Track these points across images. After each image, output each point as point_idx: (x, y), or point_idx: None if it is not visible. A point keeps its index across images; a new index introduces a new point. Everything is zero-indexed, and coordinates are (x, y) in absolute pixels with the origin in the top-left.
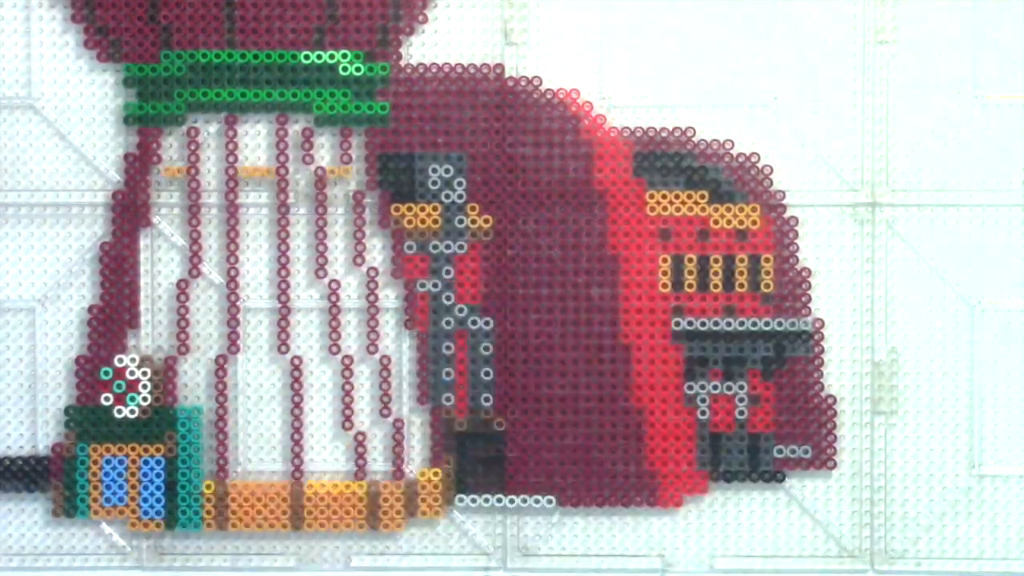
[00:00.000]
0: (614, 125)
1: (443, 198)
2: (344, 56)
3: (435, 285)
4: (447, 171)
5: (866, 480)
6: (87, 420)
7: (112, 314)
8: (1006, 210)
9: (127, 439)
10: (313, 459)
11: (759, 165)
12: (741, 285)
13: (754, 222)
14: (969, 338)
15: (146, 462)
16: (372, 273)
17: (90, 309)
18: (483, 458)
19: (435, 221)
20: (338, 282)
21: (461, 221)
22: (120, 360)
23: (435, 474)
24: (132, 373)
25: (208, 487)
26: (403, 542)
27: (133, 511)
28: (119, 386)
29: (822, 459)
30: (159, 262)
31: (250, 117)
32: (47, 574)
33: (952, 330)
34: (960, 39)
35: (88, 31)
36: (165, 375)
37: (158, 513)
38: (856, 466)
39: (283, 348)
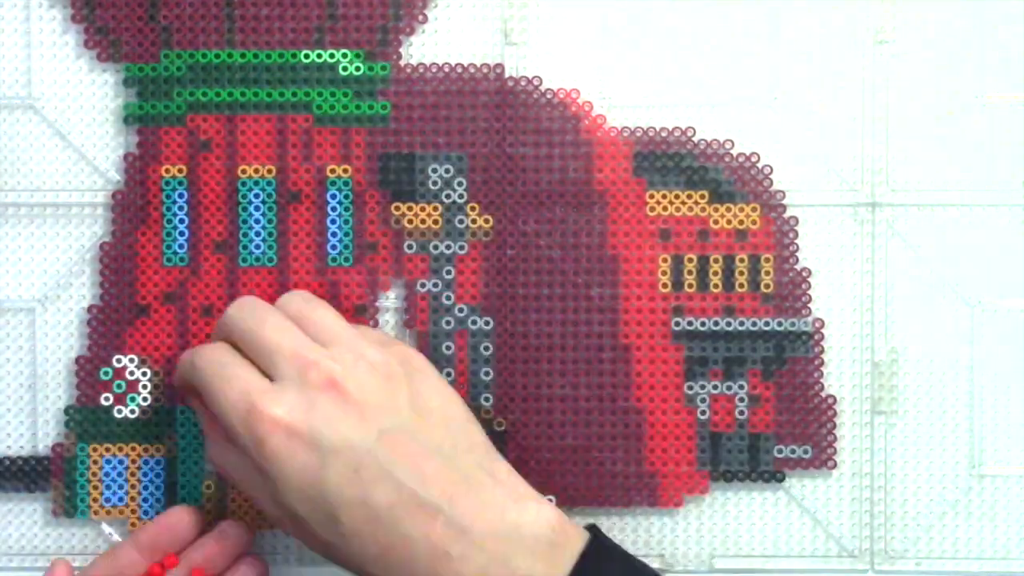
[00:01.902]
0: (614, 125)
1: (443, 198)
2: (344, 56)
3: (435, 285)
4: (447, 171)
5: (866, 480)
6: (87, 420)
7: (112, 314)
8: (1006, 210)
9: (127, 439)
10: None
11: (759, 165)
12: (741, 285)
13: (754, 222)
14: (969, 338)
15: (146, 462)
16: (372, 273)
17: (90, 309)
18: None
19: (435, 221)
20: (338, 281)
21: (461, 221)
22: (120, 360)
23: None
24: (132, 373)
25: (208, 487)
26: None
27: (133, 511)
28: (119, 386)
29: (822, 459)
30: (159, 262)
31: (250, 117)
32: None
33: (952, 330)
34: (960, 39)
35: (88, 31)
36: (165, 375)
37: (158, 513)
38: (856, 466)
39: None
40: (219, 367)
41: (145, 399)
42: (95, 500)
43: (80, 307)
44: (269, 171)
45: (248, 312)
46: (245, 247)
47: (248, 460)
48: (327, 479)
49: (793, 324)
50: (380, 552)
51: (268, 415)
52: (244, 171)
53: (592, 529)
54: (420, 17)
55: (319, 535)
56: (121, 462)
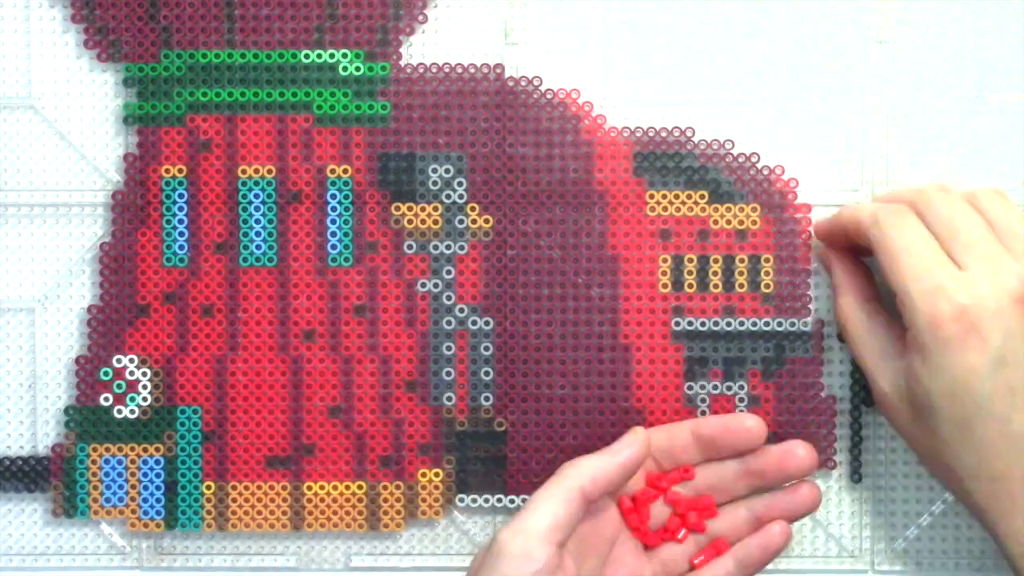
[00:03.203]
0: (614, 125)
1: (443, 198)
2: (344, 56)
3: (435, 285)
4: (447, 171)
5: (866, 480)
6: (87, 420)
7: (112, 314)
8: None
9: (127, 439)
10: (313, 459)
11: (759, 165)
12: (741, 285)
13: (754, 222)
14: None
15: (145, 462)
16: (372, 273)
17: (90, 309)
18: (483, 458)
19: (435, 221)
20: (338, 282)
21: (461, 221)
22: (120, 360)
23: (435, 474)
24: (132, 373)
25: (208, 487)
26: (403, 542)
27: (133, 511)
28: (119, 386)
29: (822, 459)
30: (159, 262)
31: (250, 117)
32: (47, 574)
33: None
34: (960, 39)
35: (88, 31)
36: (165, 375)
37: (158, 513)
38: (856, 466)
39: (283, 348)
40: (912, 235)
41: (145, 399)
42: (95, 500)
43: (80, 307)
44: (269, 171)
45: (949, 200)
46: (245, 247)
47: (893, 329)
48: (982, 385)
49: (793, 324)
50: (985, 471)
51: (955, 300)
52: (244, 171)
53: None
54: (420, 17)
55: (924, 427)
56: (120, 462)
